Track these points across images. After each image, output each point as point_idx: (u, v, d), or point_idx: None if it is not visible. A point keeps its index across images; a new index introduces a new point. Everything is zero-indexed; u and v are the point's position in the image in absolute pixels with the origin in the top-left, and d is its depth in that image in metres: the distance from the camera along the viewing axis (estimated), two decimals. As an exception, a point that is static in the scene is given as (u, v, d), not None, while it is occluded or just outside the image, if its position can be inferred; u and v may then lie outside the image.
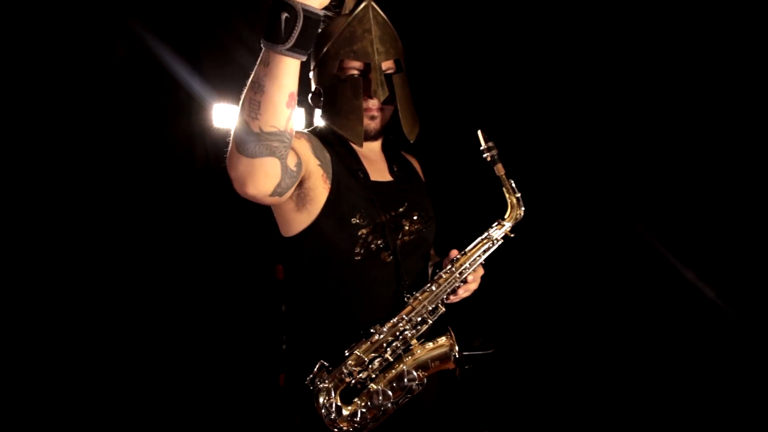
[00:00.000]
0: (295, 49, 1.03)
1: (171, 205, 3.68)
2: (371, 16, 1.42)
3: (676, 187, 2.93)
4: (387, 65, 1.47)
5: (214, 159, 3.83)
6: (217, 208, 3.80)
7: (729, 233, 2.79)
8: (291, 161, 1.20)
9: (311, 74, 1.56)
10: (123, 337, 3.39)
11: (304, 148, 1.35)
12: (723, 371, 2.78)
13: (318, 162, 1.38)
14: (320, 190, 1.37)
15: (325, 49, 1.46)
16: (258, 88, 1.06)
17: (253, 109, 1.06)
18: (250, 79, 1.08)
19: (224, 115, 3.59)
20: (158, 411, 3.18)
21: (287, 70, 1.05)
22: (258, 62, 1.07)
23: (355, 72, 1.45)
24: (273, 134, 1.09)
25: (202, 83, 3.53)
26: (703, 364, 2.84)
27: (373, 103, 1.47)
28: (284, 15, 1.00)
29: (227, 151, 1.13)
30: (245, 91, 1.08)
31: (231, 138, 1.11)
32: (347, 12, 1.48)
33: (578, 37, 3.16)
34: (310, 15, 1.01)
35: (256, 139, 1.08)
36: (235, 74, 3.61)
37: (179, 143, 3.73)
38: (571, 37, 3.18)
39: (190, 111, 3.64)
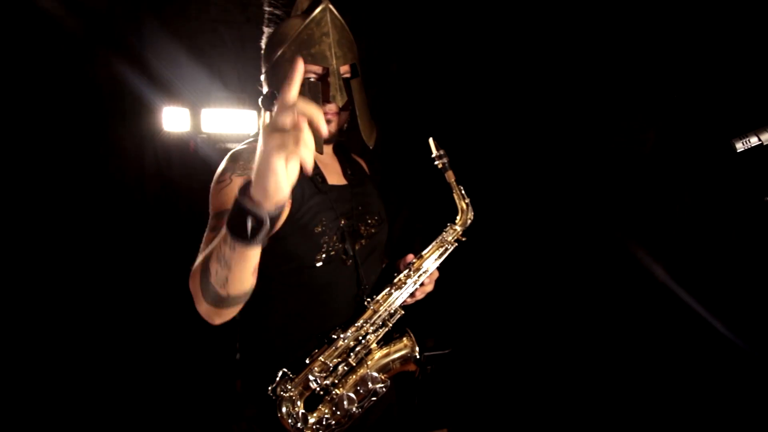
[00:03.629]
0: (261, 242, 1.03)
1: (121, 210, 3.60)
2: (329, 19, 1.38)
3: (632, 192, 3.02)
4: (344, 69, 1.43)
5: (164, 163, 3.76)
6: (167, 211, 3.73)
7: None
8: None
9: (263, 77, 1.51)
10: (81, 342, 3.31)
11: None
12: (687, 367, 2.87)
13: None
14: None
15: (280, 52, 1.41)
16: (224, 264, 1.07)
17: (220, 279, 1.09)
18: (213, 249, 1.09)
19: (174, 119, 3.51)
20: (110, 417, 3.10)
21: (253, 254, 1.08)
22: (222, 240, 1.06)
23: (313, 76, 1.40)
24: (240, 296, 1.14)
25: (151, 87, 3.45)
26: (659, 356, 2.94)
27: (330, 108, 1.44)
28: (250, 222, 0.98)
29: (193, 283, 1.16)
30: (211, 257, 1.10)
31: (196, 284, 1.14)
32: (299, 12, 1.44)
33: (536, 42, 3.24)
34: (273, 218, 1.01)
35: (224, 301, 1.13)
36: (185, 78, 3.56)
37: (128, 148, 3.64)
38: (530, 42, 3.26)
39: (139, 115, 3.55)
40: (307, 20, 1.37)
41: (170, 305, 3.58)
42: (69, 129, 3.37)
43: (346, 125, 1.55)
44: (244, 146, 1.44)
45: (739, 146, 1.39)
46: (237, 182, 1.32)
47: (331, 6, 1.40)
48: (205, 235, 1.31)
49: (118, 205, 3.59)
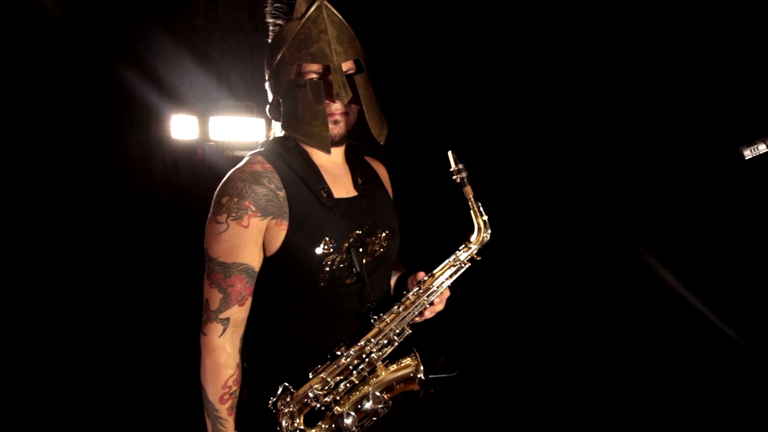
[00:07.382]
0: None
1: (129, 217, 3.60)
2: (325, 15, 1.33)
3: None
4: (347, 66, 1.39)
5: (172, 170, 3.77)
6: (174, 218, 3.73)
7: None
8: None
9: (267, 84, 1.47)
10: (85, 348, 3.33)
11: (251, 240, 1.33)
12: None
13: (270, 217, 1.33)
14: (274, 231, 1.34)
15: (279, 56, 1.37)
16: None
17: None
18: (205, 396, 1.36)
19: (182, 127, 3.52)
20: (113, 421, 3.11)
21: None
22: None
23: (314, 76, 1.37)
24: None
25: (159, 95, 3.46)
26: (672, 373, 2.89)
27: (336, 107, 1.39)
28: None
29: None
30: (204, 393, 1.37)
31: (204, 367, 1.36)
32: (299, 15, 1.39)
33: (545, 49, 3.22)
34: None
35: None
36: (193, 86, 3.57)
37: (137, 155, 3.65)
38: (539, 48, 3.23)
39: (148, 123, 3.57)
40: (303, 19, 1.34)
41: (177, 311, 3.59)
42: (78, 136, 3.38)
43: (356, 128, 1.50)
44: (242, 169, 1.38)
45: (747, 153, 1.36)
46: (233, 229, 1.31)
47: (326, 2, 1.36)
48: (204, 279, 1.34)
49: (127, 211, 3.60)
